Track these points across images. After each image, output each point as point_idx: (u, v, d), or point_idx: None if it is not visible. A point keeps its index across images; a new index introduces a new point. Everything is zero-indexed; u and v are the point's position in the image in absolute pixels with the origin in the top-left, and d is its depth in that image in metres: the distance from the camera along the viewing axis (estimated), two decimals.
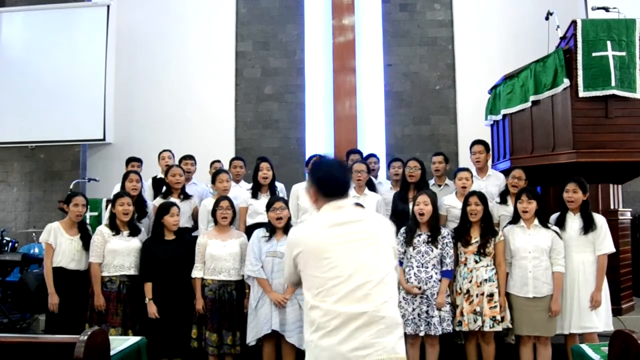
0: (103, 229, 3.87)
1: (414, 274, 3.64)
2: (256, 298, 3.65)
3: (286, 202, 3.85)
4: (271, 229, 3.73)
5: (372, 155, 5.25)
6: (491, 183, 4.46)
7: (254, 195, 4.30)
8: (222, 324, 3.71)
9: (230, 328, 3.71)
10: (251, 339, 3.64)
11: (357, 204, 3.81)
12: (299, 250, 1.94)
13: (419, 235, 3.69)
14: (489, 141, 4.93)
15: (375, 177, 5.07)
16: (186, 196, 4.42)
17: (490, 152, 4.77)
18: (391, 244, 2.01)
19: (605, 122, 4.49)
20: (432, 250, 3.65)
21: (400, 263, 3.70)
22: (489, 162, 4.70)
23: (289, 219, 3.80)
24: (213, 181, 4.33)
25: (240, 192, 4.47)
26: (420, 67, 7.43)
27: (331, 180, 2.00)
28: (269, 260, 3.64)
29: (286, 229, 3.72)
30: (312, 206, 2.10)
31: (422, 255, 3.65)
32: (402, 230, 3.77)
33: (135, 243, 3.88)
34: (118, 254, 3.79)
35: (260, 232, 3.76)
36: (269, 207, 3.74)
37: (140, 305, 3.80)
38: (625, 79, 4.43)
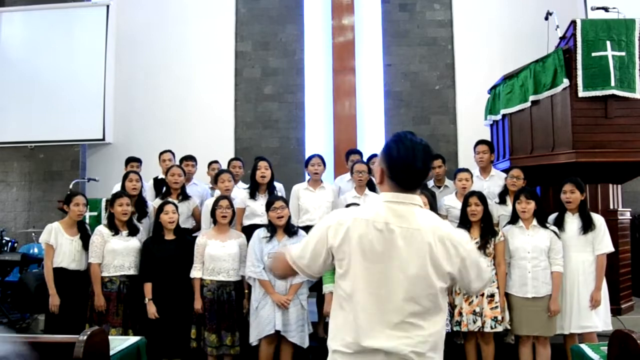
0: (102, 229, 3.86)
1: None
2: (257, 299, 3.65)
3: (286, 201, 3.83)
4: (272, 229, 3.72)
5: (376, 155, 5.21)
6: (494, 183, 4.46)
7: (252, 195, 4.28)
8: (221, 324, 3.70)
9: (229, 329, 3.71)
10: (253, 339, 3.64)
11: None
12: (341, 238, 1.64)
13: None
14: None
15: None
16: (185, 197, 4.41)
17: (495, 153, 4.76)
18: (444, 267, 1.62)
19: (604, 122, 4.49)
20: None
21: None
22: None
23: (290, 218, 3.79)
24: (215, 181, 4.32)
25: (238, 193, 4.45)
26: (419, 67, 7.43)
27: (406, 163, 1.64)
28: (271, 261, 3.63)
29: (287, 228, 3.72)
30: (377, 185, 1.79)
31: None
32: None
33: (135, 243, 3.88)
34: (118, 254, 3.79)
35: (261, 233, 3.74)
36: (268, 206, 3.72)
37: (141, 305, 3.80)
38: (624, 79, 4.43)
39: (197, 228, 4.43)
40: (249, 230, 3.96)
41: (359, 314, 1.62)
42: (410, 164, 1.64)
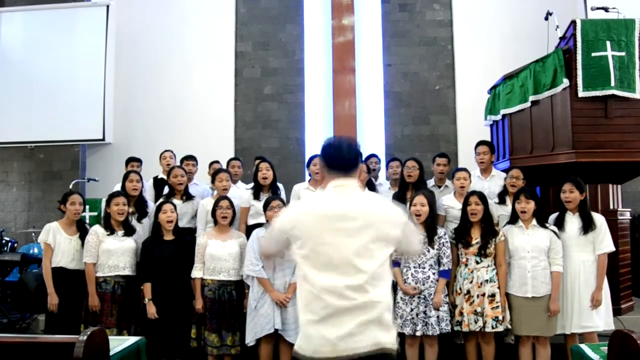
0: (97, 229, 3.84)
1: (411, 274, 3.64)
2: (256, 298, 3.65)
3: (283, 201, 3.86)
4: None
5: (373, 155, 5.24)
6: (494, 183, 4.44)
7: (256, 196, 4.29)
8: (221, 324, 3.70)
9: (230, 328, 3.71)
10: (251, 339, 3.64)
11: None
12: (294, 225, 1.94)
13: None
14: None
15: (376, 177, 5.06)
16: (188, 197, 4.42)
17: (495, 153, 4.76)
18: (391, 232, 1.94)
19: (604, 122, 4.49)
20: (428, 251, 3.65)
21: (397, 264, 3.70)
22: None
23: None
24: (213, 180, 4.33)
25: (238, 193, 4.46)
26: (419, 67, 7.43)
27: (336, 153, 2.02)
28: (270, 260, 3.64)
29: None
30: (320, 180, 2.17)
31: (419, 256, 3.65)
32: None
33: (130, 243, 3.86)
34: (112, 254, 3.77)
35: (260, 232, 3.76)
36: (266, 206, 3.75)
37: (136, 306, 3.80)
38: (624, 79, 4.44)
39: None
40: (254, 229, 3.97)
41: (321, 284, 1.87)
42: (340, 152, 2.03)
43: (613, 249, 3.68)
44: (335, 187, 1.99)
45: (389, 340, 1.87)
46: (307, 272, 1.91)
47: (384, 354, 1.84)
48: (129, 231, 3.90)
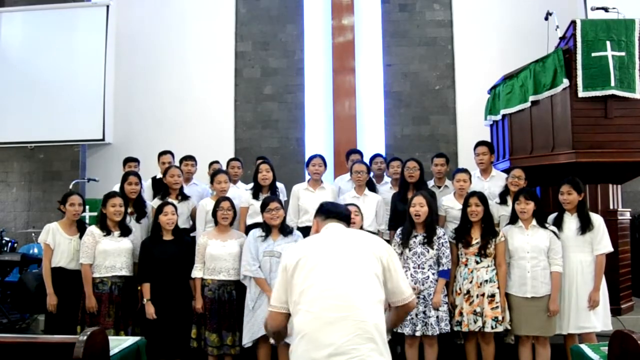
0: (93, 230, 3.82)
1: (411, 275, 3.64)
2: (253, 299, 3.65)
3: (280, 202, 3.86)
4: (267, 229, 3.73)
5: (378, 155, 5.21)
6: (494, 184, 4.44)
7: (255, 196, 4.29)
8: (221, 324, 3.71)
9: (230, 328, 3.72)
10: (248, 340, 3.64)
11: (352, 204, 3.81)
12: (295, 261, 2.08)
13: (415, 236, 3.69)
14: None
15: (382, 177, 5.06)
16: (184, 197, 4.41)
17: (495, 154, 4.75)
18: (377, 255, 2.09)
19: (604, 122, 4.49)
20: (427, 251, 3.65)
21: None
22: None
23: (284, 218, 3.81)
24: (211, 181, 4.33)
25: (238, 193, 4.46)
26: (419, 67, 7.43)
27: (332, 206, 2.40)
28: (267, 260, 3.65)
29: (281, 228, 3.74)
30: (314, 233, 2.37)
31: (418, 256, 3.65)
32: (398, 231, 3.78)
33: (126, 244, 3.85)
34: (109, 254, 3.76)
35: (256, 232, 3.77)
36: (263, 207, 3.75)
37: (134, 307, 3.80)
38: (624, 79, 4.44)
39: (195, 228, 4.43)
40: (253, 229, 3.97)
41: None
42: (336, 206, 2.44)
43: (611, 249, 3.67)
44: (327, 229, 2.25)
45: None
46: (296, 305, 2.05)
47: None
48: (125, 232, 3.89)
